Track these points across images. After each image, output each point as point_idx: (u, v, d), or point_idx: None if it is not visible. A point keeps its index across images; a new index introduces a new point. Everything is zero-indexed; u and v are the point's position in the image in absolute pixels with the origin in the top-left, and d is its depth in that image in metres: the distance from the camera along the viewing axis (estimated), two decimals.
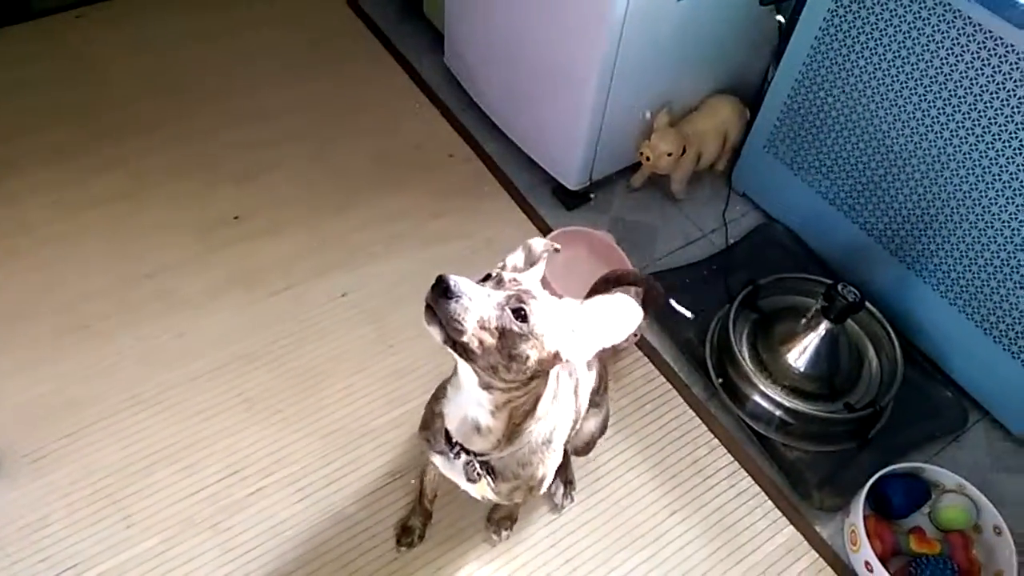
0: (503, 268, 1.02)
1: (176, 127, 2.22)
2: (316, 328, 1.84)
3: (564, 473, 1.62)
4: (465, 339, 0.88)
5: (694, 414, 1.78)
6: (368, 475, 1.62)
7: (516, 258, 1.04)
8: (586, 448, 1.55)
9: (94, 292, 1.85)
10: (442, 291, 0.87)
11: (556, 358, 0.96)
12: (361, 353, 1.81)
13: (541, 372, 0.99)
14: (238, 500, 1.57)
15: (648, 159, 2.01)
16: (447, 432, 1.14)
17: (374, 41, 2.54)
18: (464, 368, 0.99)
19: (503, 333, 0.90)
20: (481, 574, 1.53)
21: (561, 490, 1.61)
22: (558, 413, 1.15)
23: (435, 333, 0.89)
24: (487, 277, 0.97)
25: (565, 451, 1.58)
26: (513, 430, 1.08)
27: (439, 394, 1.19)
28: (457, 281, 0.87)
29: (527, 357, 0.92)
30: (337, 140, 2.25)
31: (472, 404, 1.06)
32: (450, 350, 0.92)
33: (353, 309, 1.89)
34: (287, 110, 2.31)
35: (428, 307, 0.88)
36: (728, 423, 1.78)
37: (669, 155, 1.99)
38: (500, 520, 1.55)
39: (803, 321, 1.74)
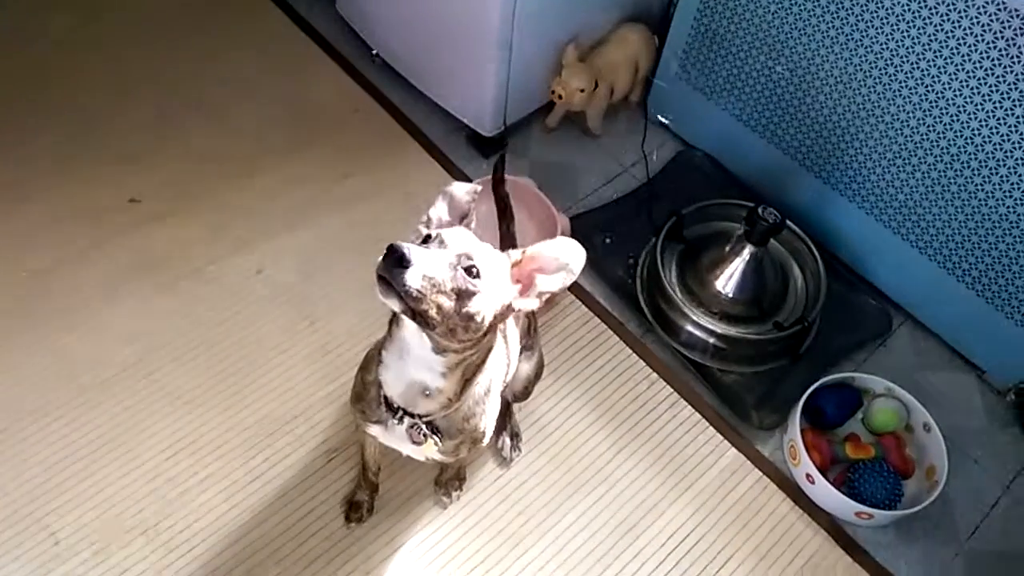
0: (428, 222, 0.99)
1: (48, 112, 2.03)
2: (232, 310, 1.75)
3: (509, 426, 1.60)
4: (424, 306, 0.86)
5: (631, 351, 1.78)
6: (307, 455, 1.57)
7: (439, 210, 1.01)
8: (524, 393, 1.53)
9: None
10: (395, 260, 0.83)
11: (508, 309, 0.96)
12: (283, 331, 1.73)
13: (494, 326, 0.98)
14: (172, 500, 1.50)
15: (561, 97, 1.95)
16: (386, 399, 1.10)
17: None
18: (414, 334, 0.97)
19: (459, 294, 0.88)
20: (436, 537, 1.52)
21: (508, 443, 1.60)
22: (493, 361, 1.13)
23: (394, 304, 0.87)
24: (427, 239, 0.94)
25: (508, 404, 1.57)
26: (463, 387, 1.06)
27: (369, 363, 1.15)
28: (409, 248, 0.84)
29: (483, 314, 0.91)
30: (231, 105, 2.10)
31: (420, 369, 1.03)
32: (408, 319, 0.91)
33: (270, 286, 1.80)
34: (171, 80, 2.14)
35: (381, 278, 0.85)
36: (664, 356, 1.79)
37: (582, 91, 1.93)
38: (449, 482, 1.53)
39: (727, 247, 1.75)
